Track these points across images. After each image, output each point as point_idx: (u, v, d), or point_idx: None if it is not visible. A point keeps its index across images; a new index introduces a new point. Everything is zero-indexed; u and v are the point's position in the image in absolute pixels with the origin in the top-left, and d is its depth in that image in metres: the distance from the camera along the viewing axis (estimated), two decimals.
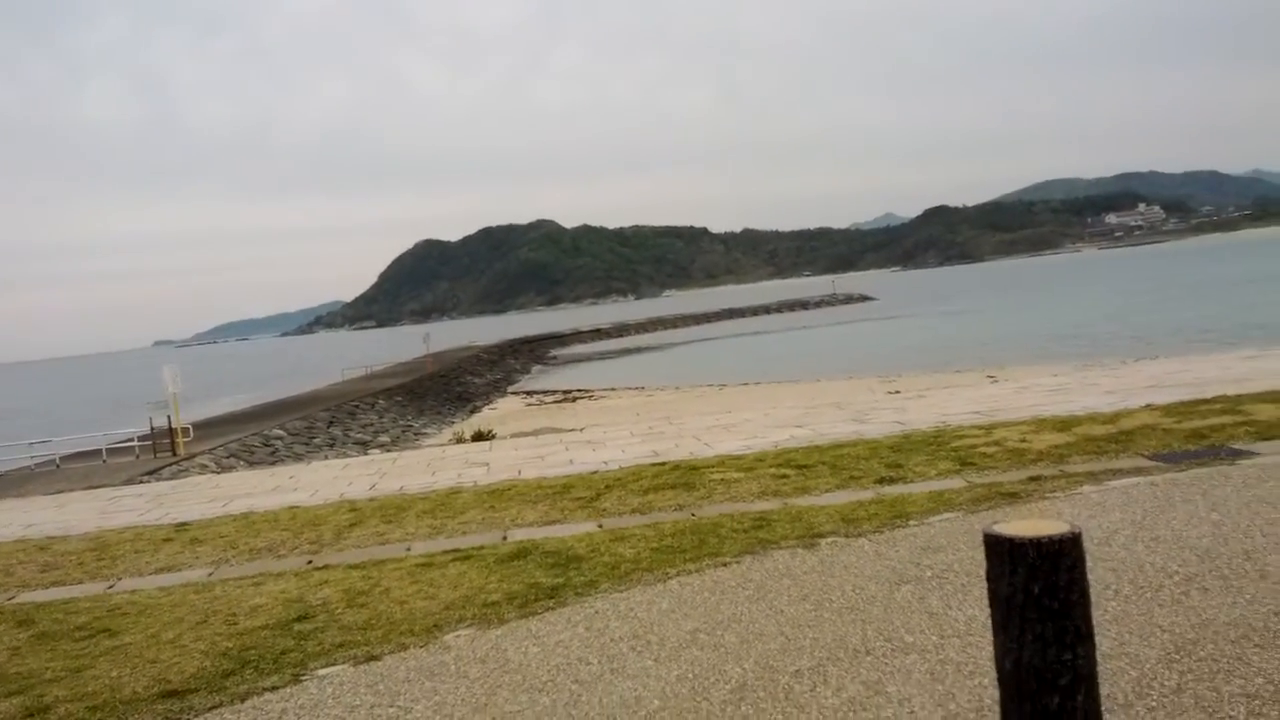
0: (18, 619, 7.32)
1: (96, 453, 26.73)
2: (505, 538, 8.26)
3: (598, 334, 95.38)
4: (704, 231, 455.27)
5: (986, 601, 2.76)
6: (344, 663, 5.54)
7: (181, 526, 10.55)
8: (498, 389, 54.32)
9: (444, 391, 49.28)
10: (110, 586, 8.16)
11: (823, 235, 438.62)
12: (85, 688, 5.57)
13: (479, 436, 20.86)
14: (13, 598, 8.15)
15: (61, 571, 8.93)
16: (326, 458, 23.57)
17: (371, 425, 35.78)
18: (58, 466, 25.54)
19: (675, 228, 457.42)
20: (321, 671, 5.43)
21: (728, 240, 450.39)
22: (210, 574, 8.21)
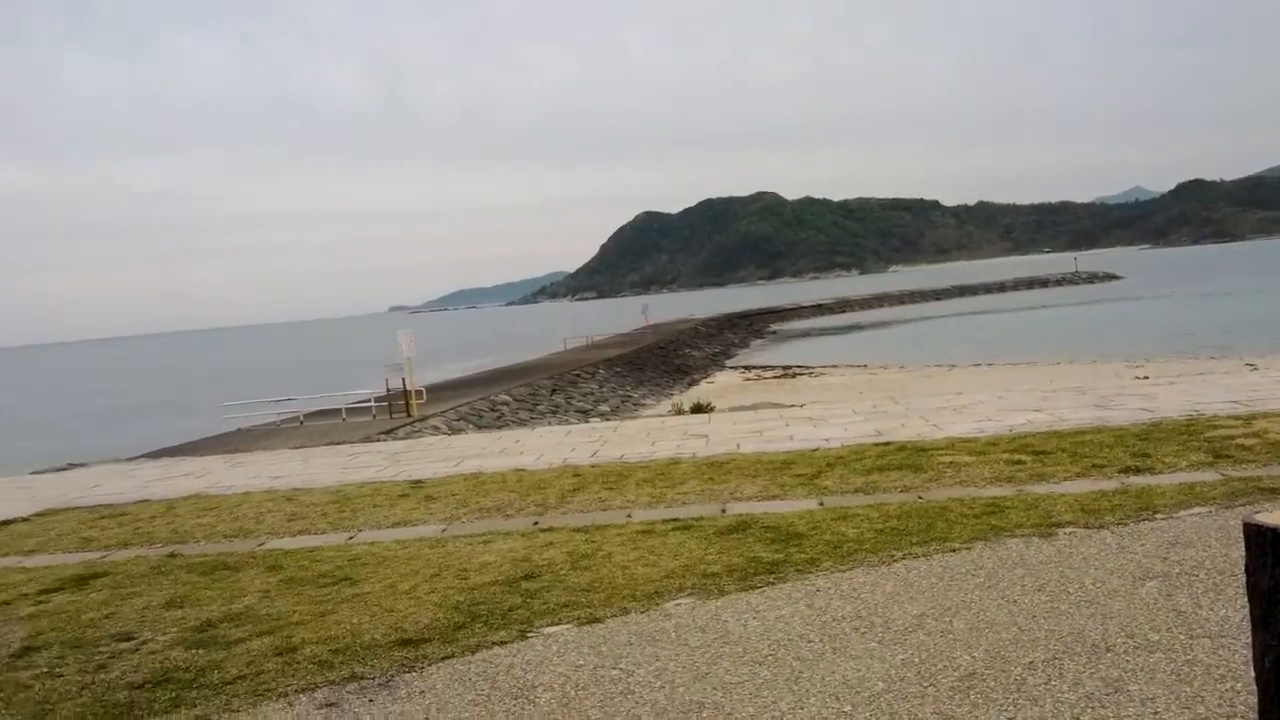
0: (268, 564, 7.94)
1: (336, 411, 28.50)
2: (724, 510, 8.34)
3: (819, 309, 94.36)
4: (934, 204, 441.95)
5: (1241, 602, 2.62)
6: (568, 623, 5.75)
7: (416, 484, 11.15)
8: (716, 362, 54.63)
9: (663, 363, 49.95)
10: (350, 538, 8.73)
11: (1064, 210, 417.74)
12: (328, 631, 6.00)
13: (698, 409, 21.06)
14: (263, 544, 8.84)
15: (307, 521, 9.61)
16: (550, 424, 24.36)
17: (592, 394, 36.70)
18: (301, 423, 27.40)
19: (903, 200, 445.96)
20: (547, 630, 5.66)
21: (960, 213, 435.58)
22: (443, 530, 8.66)
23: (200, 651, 5.83)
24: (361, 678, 5.18)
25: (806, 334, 71.55)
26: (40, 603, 7.37)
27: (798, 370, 43.35)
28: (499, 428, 24.89)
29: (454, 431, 23.93)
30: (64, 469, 17.99)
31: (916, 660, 4.72)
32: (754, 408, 18.48)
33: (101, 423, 47.05)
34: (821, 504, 8.25)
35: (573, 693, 4.73)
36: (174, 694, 5.19)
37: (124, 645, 6.11)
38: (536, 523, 8.58)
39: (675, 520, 8.07)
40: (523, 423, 27.55)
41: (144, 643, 6.12)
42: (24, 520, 11.44)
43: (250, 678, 5.33)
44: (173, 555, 8.59)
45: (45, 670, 5.76)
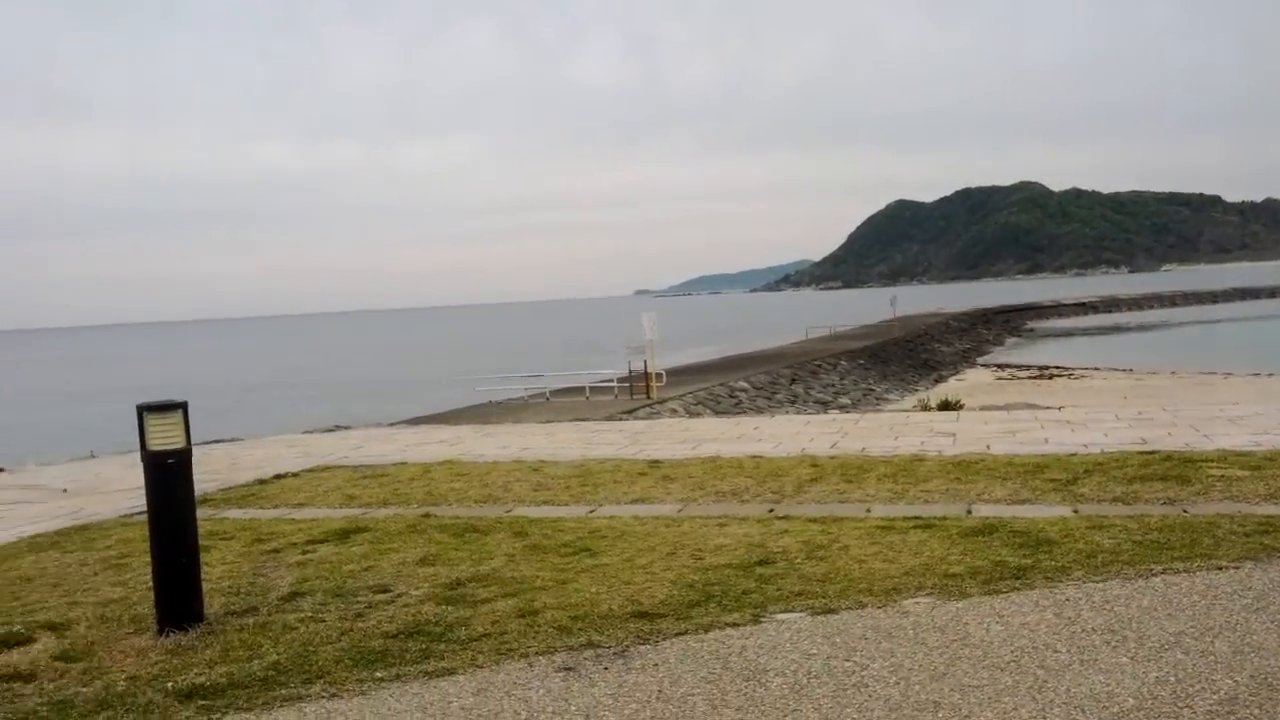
0: (514, 530, 8.32)
1: (580, 390, 29.39)
2: (970, 511, 8.12)
3: (1082, 308, 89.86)
4: (1215, 200, 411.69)
5: None
6: (801, 611, 5.77)
7: (654, 463, 11.40)
8: (966, 359, 52.98)
9: (909, 357, 48.85)
10: (591, 511, 9.02)
11: None
12: (569, 599, 6.24)
13: (945, 406, 20.51)
14: (510, 510, 9.26)
15: (551, 493, 10.00)
16: (788, 413, 24.30)
17: (833, 386, 36.31)
18: (548, 399, 28.41)
19: (1181, 194, 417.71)
20: (780, 616, 5.69)
21: (1244, 210, 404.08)
22: (679, 510, 8.82)
23: (449, 608, 6.18)
24: (598, 645, 5.37)
25: (1067, 334, 68.32)
26: (307, 552, 7.98)
27: (1055, 371, 41.48)
28: (736, 414, 25.03)
29: (692, 415, 24.24)
30: (331, 430, 19.35)
31: (1172, 679, 4.48)
32: (1006, 408, 17.83)
33: (368, 390, 50.24)
34: (1076, 511, 7.91)
35: (804, 680, 4.75)
36: (424, 645, 5.54)
37: (380, 597, 6.55)
38: (772, 510, 8.61)
39: (917, 518, 7.93)
40: (760, 410, 27.60)
41: (398, 595, 6.55)
42: (294, 475, 12.40)
43: (494, 636, 5.61)
44: (427, 516, 9.12)
45: (309, 614, 6.25)
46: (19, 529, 10.01)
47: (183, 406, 6.22)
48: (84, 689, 5.19)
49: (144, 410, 6.15)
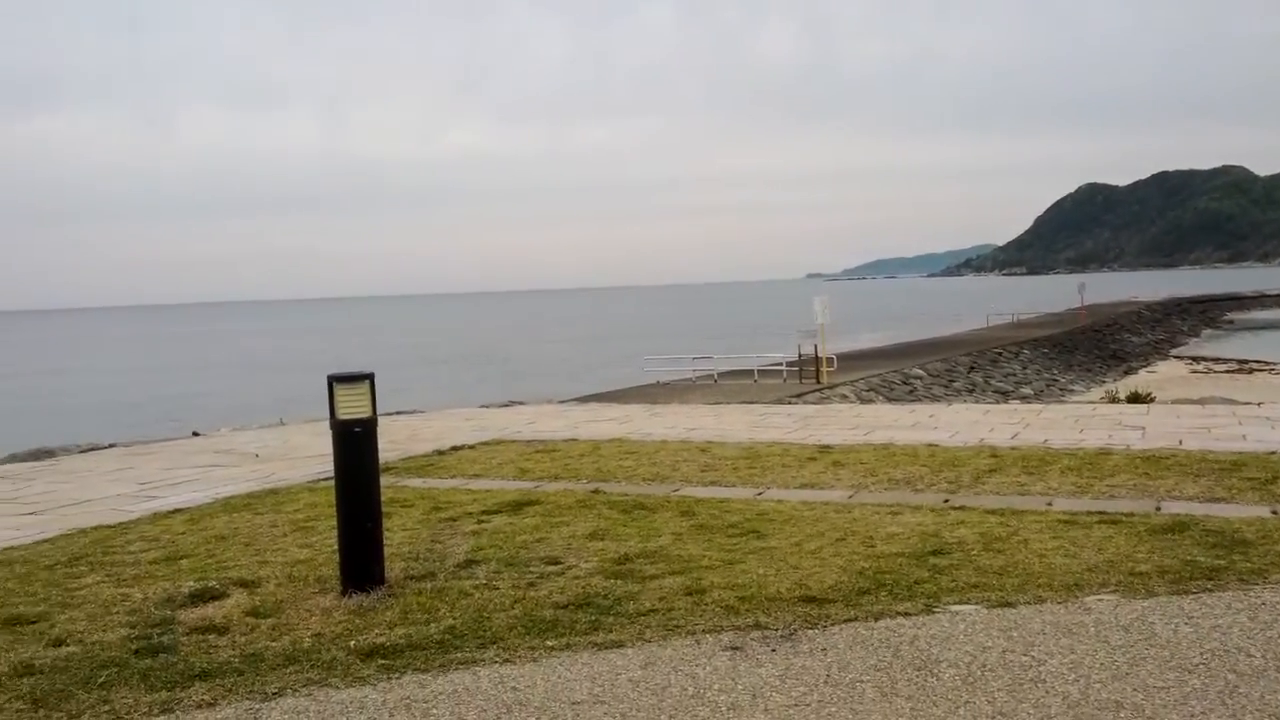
0: (681, 509, 8.39)
1: (749, 372, 29.35)
2: (1159, 508, 7.78)
3: None
4: None
5: None
6: (976, 603, 5.65)
7: (824, 449, 11.31)
8: (1158, 351, 50.65)
9: (1096, 347, 47.01)
10: (759, 494, 9.02)
11: None
12: (736, 579, 6.27)
13: (1135, 399, 19.66)
14: (677, 490, 9.34)
15: (718, 474, 10.04)
16: (965, 402, 23.70)
17: (1014, 375, 35.26)
18: (715, 381, 28.47)
19: None
20: (954, 607, 5.59)
21: None
22: (849, 496, 8.74)
23: (618, 582, 6.29)
24: (765, 627, 5.38)
25: (1270, 326, 64.44)
26: (482, 522, 8.24)
27: (1256, 366, 39.24)
28: (911, 401, 24.56)
29: (863, 401, 23.92)
30: (505, 405, 19.88)
31: None
32: (1200, 402, 16.97)
33: (541, 367, 51.36)
34: (1275, 512, 7.49)
35: (978, 673, 4.66)
36: (593, 618, 5.66)
37: (551, 568, 6.72)
38: (947, 500, 8.44)
39: (1102, 513, 7.65)
40: (936, 399, 27.00)
41: (569, 568, 6.70)
42: (470, 448, 12.80)
43: (662, 612, 5.69)
44: (596, 491, 9.29)
45: (484, 582, 6.46)
46: (215, 490, 10.65)
47: (369, 378, 6.50)
48: (273, 644, 5.50)
49: (334, 381, 6.45)
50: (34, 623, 6.05)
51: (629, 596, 6.00)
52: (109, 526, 8.94)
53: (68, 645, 5.59)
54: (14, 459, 14.55)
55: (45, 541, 8.46)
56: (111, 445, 15.46)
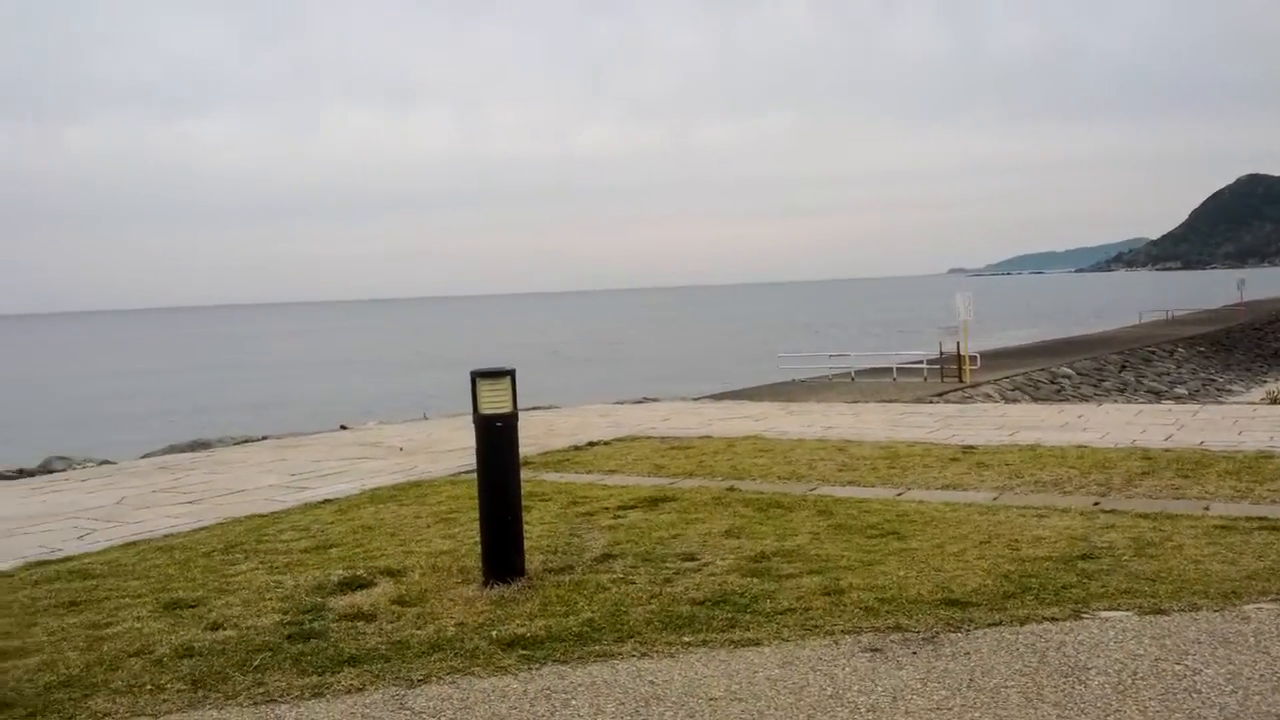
0: (818, 508, 8.33)
1: (887, 370, 28.94)
2: None
3: None
4: None
5: None
6: (1128, 609, 5.47)
7: (968, 449, 11.08)
8: None
9: (1257, 346, 44.93)
10: (899, 494, 8.90)
11: None
12: (875, 580, 6.20)
13: None
14: (814, 489, 9.28)
15: (856, 473, 9.94)
16: (1115, 402, 22.93)
17: (1168, 374, 33.95)
18: (852, 379, 28.17)
19: None
20: (1104, 613, 5.43)
21: None
22: (994, 498, 8.55)
23: (754, 580, 6.29)
24: (905, 629, 5.32)
25: None
26: (618, 517, 8.33)
27: None
28: (1058, 401, 23.87)
29: (1007, 400, 23.35)
30: (640, 401, 20.03)
31: None
32: None
33: (674, 363, 51.55)
34: None
35: (1129, 681, 4.52)
36: (730, 615, 5.67)
37: (688, 564, 6.75)
38: (1097, 503, 8.18)
39: (1263, 519, 7.32)
40: (1085, 398, 26.18)
41: (705, 564, 6.73)
42: (605, 444, 12.94)
43: (799, 611, 5.67)
44: (731, 489, 9.30)
45: (621, 576, 6.53)
46: (361, 482, 11.01)
47: (511, 374, 6.64)
48: (418, 632, 5.67)
49: (476, 376, 6.61)
50: (193, 607, 6.36)
51: (766, 595, 5.99)
52: (262, 516, 9.32)
53: (224, 629, 5.86)
54: (173, 450, 15.30)
55: (203, 529, 8.88)
56: (264, 438, 16.12)
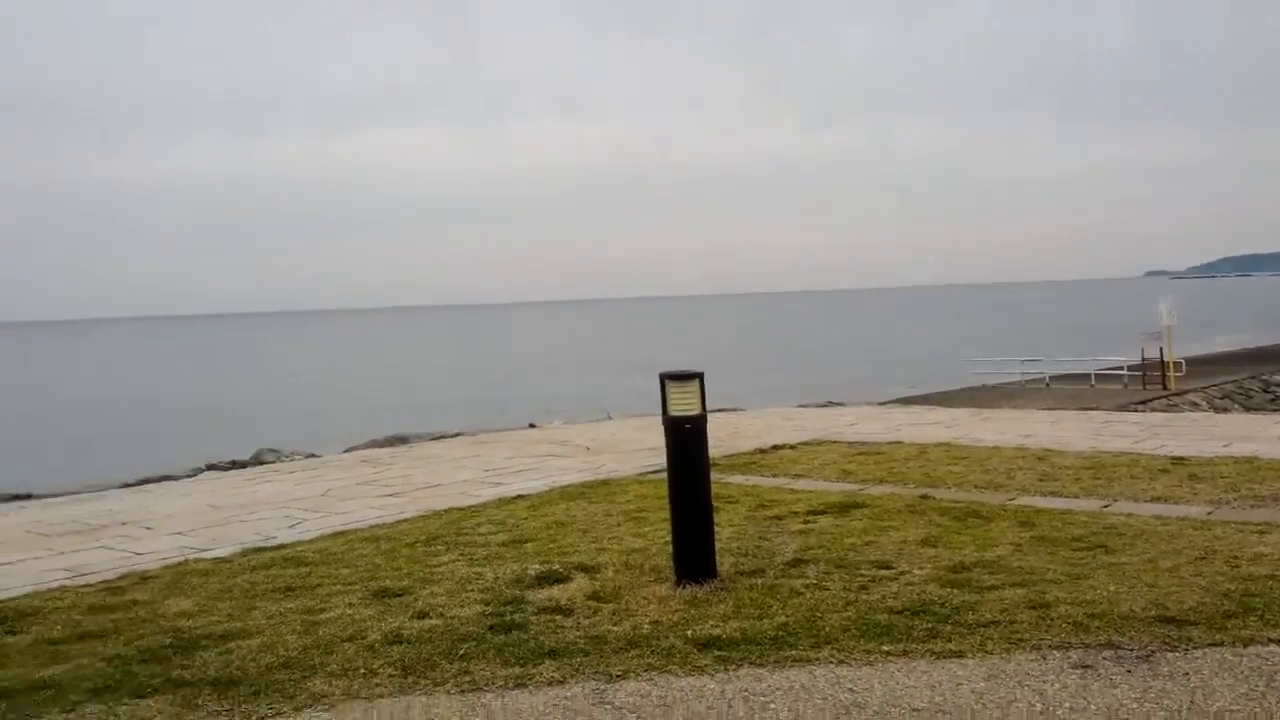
0: (1019, 519, 8.08)
1: (1084, 377, 27.85)
2: None
3: None
4: None
5: None
6: None
7: (1178, 460, 10.55)
8: None
9: None
10: (1105, 506, 8.54)
11: None
12: (1083, 595, 5.97)
13: None
14: (1013, 499, 9.00)
15: (1058, 484, 9.59)
16: None
17: None
18: (1047, 385, 27.22)
19: None
20: None
21: None
22: (1208, 513, 8.11)
23: (954, 590, 6.14)
24: (1118, 646, 5.11)
25: None
26: (808, 522, 8.27)
27: None
28: (1273, 411, 22.49)
29: (1217, 409, 22.16)
30: (824, 405, 19.82)
31: None
32: None
33: (854, 368, 50.82)
34: None
35: None
36: (930, 625, 5.55)
37: (883, 573, 6.64)
38: None
39: None
40: None
41: (901, 573, 6.61)
42: (791, 447, 12.86)
43: (1003, 624, 5.51)
44: (925, 497, 9.11)
45: (814, 582, 6.48)
46: (551, 479, 11.25)
47: (699, 376, 6.67)
48: (614, 628, 5.76)
49: (665, 379, 6.67)
50: (400, 595, 6.62)
51: (967, 606, 5.84)
52: (460, 509, 9.64)
53: (430, 618, 6.08)
54: (374, 444, 15.95)
55: (405, 521, 9.24)
56: (458, 434, 16.64)
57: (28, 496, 12.31)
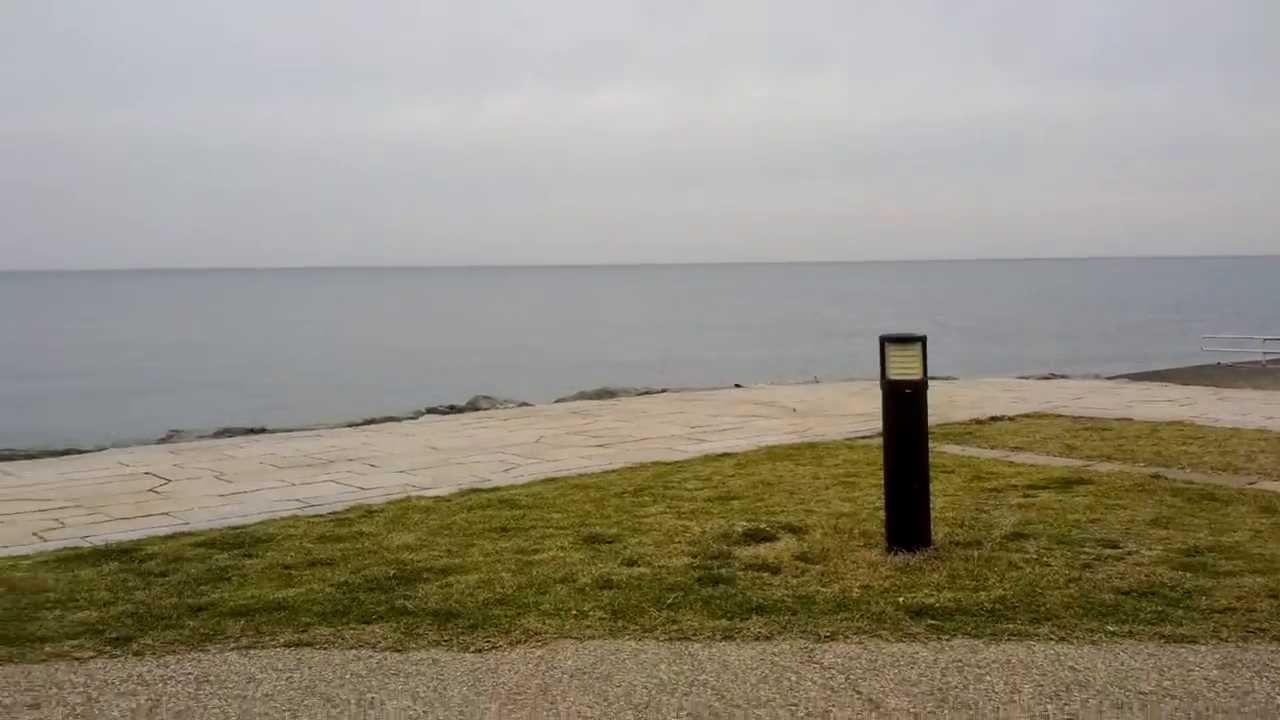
0: (1260, 504, 7.60)
1: None
2: None
3: None
4: None
5: None
6: None
7: None
8: None
9: None
10: None
11: None
12: None
13: None
14: (1254, 483, 8.47)
15: None
16: None
17: None
18: None
19: None
20: None
21: None
22: None
23: (1186, 574, 5.85)
24: None
25: None
26: (1028, 496, 8.01)
27: None
28: None
29: None
30: (1046, 378, 19.11)
31: None
32: None
33: (1077, 340, 48.70)
34: None
35: None
36: (1159, 608, 5.31)
37: (1109, 551, 6.38)
38: None
39: None
40: None
41: (1128, 553, 6.32)
42: (1009, 419, 12.46)
43: (1241, 612, 5.22)
44: (1156, 476, 8.68)
45: (1034, 557, 6.28)
46: (757, 439, 11.26)
47: (921, 340, 6.53)
48: (822, 589, 5.74)
49: (886, 341, 6.56)
50: (609, 542, 6.78)
51: (1200, 591, 5.55)
52: (666, 464, 9.77)
53: (639, 566, 6.21)
54: (583, 396, 16.34)
55: (613, 472, 9.43)
56: (664, 390, 16.86)
57: (262, 430, 13.18)
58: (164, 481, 9.52)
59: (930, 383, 6.72)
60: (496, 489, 8.71)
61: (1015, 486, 8.36)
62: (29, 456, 11.20)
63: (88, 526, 7.73)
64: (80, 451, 11.56)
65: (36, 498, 8.92)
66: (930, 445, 9.89)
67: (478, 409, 15.08)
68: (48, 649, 5.06)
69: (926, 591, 5.63)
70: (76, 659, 4.93)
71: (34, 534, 7.55)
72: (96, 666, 4.84)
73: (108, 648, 5.07)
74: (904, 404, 6.57)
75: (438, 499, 8.32)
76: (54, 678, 4.70)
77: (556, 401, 16.04)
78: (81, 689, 4.57)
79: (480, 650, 4.96)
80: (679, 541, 6.74)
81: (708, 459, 10.02)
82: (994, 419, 12.46)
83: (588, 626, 5.22)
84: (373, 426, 13.33)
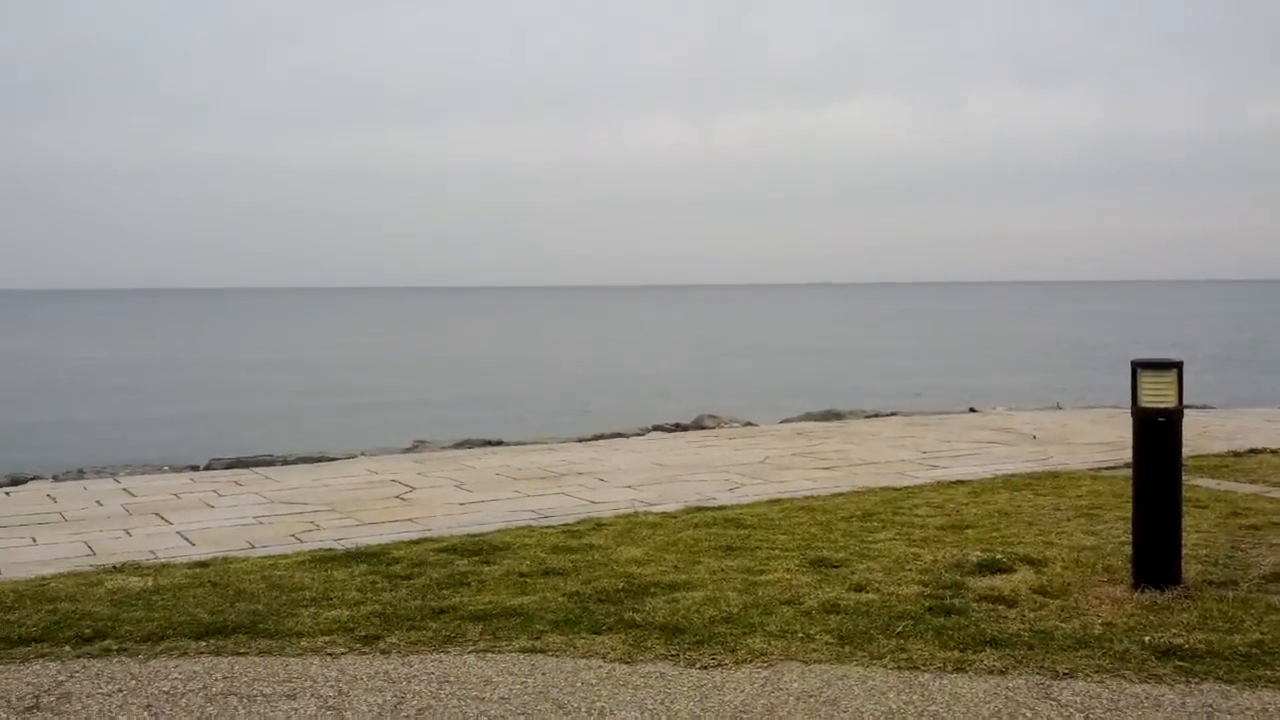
0: None
1: None
2: None
3: None
4: None
5: None
6: None
7: None
8: None
9: None
10: None
11: None
12: None
13: None
14: None
15: None
16: None
17: None
18: None
19: None
20: None
21: None
22: None
23: None
24: None
25: None
26: None
27: None
28: None
29: None
30: None
31: None
32: None
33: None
34: None
35: None
36: None
37: None
38: None
39: None
40: None
41: None
42: (1272, 452, 11.70)
43: None
44: None
45: None
46: (993, 467, 10.98)
47: (1178, 366, 6.26)
48: (1061, 624, 5.58)
49: (1138, 366, 6.32)
50: (836, 567, 6.78)
51: None
52: (896, 489, 9.67)
53: (867, 592, 6.19)
54: (809, 417, 16.29)
55: (839, 495, 9.41)
56: (893, 413, 16.63)
57: (499, 443, 13.76)
58: (409, 489, 10.10)
59: (1184, 411, 6.43)
60: (722, 508, 8.83)
61: (1276, 524, 7.88)
62: (286, 463, 12.06)
63: (340, 530, 8.30)
64: (332, 459, 12.37)
65: (294, 500, 9.63)
66: (1183, 478, 9.46)
67: (703, 427, 15.26)
68: (303, 643, 5.48)
69: (1175, 631, 5.40)
70: (329, 654, 5.33)
71: (292, 535, 8.17)
72: (347, 662, 5.22)
73: (357, 645, 5.46)
74: (1156, 433, 6.31)
75: (664, 515, 8.51)
76: (309, 671, 5.10)
77: (782, 422, 16.06)
78: (333, 683, 4.94)
79: (706, 667, 5.07)
80: (909, 569, 6.68)
81: (940, 485, 9.85)
82: (1254, 451, 11.73)
83: (814, 650, 5.26)
84: (601, 442, 13.72)
